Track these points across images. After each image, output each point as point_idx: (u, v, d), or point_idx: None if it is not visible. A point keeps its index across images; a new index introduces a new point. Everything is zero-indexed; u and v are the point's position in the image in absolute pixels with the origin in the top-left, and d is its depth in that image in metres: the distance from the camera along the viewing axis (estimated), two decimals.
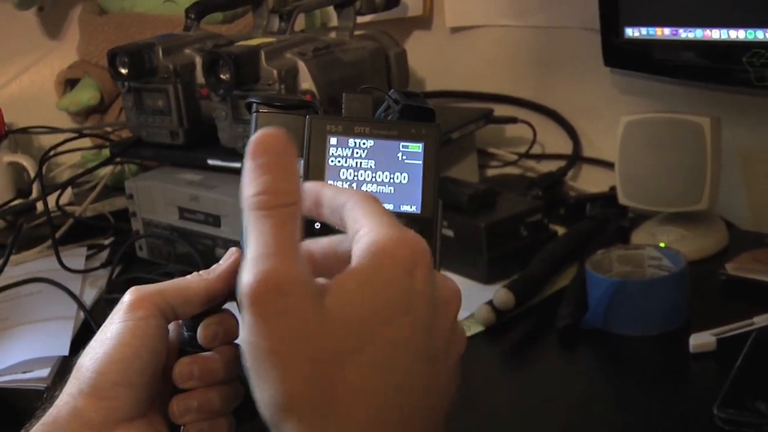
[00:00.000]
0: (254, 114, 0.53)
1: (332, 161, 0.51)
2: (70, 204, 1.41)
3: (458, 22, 1.44)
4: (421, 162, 0.51)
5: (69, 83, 1.59)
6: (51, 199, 1.35)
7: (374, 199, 0.45)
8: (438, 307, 0.44)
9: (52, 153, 1.44)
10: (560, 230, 1.13)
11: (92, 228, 1.34)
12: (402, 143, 0.51)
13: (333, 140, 0.51)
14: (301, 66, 1.12)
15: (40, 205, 1.35)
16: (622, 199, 1.11)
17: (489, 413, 0.83)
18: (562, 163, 1.35)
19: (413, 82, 1.42)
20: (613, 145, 1.11)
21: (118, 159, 1.36)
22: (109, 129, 1.54)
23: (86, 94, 1.54)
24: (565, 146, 1.36)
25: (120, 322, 0.49)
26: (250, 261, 0.40)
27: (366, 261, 0.42)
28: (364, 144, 0.51)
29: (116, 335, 0.49)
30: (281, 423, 0.41)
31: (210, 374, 0.50)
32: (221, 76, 1.08)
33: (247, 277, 0.40)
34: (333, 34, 1.32)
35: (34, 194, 1.41)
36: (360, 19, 1.32)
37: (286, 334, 0.39)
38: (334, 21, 1.36)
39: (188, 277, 0.52)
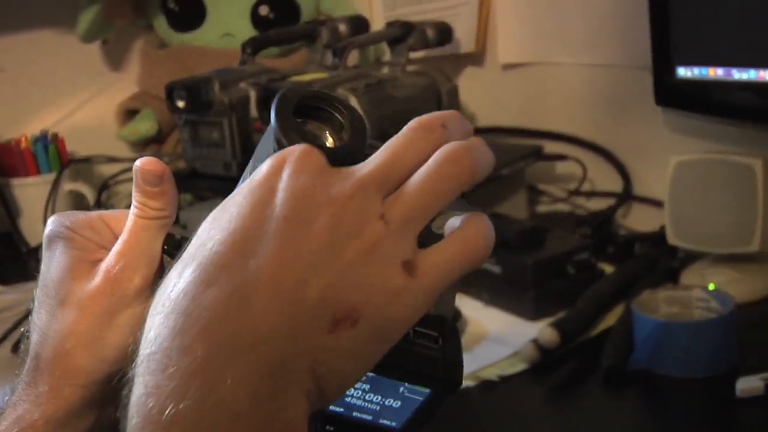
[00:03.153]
0: (268, 130, 0.45)
1: None
2: None
3: (510, 58, 1.45)
4: (422, 399, 0.41)
5: (129, 114, 1.63)
6: None
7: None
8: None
9: (111, 182, 1.48)
10: (608, 269, 1.13)
11: None
12: (407, 383, 0.41)
13: None
14: (353, 101, 1.14)
15: None
16: (672, 239, 1.11)
17: None
18: (612, 201, 1.34)
19: (464, 117, 1.43)
20: (663, 184, 1.11)
21: None
22: (165, 159, 1.57)
23: (145, 125, 1.58)
24: (616, 184, 1.36)
25: (130, 309, 0.47)
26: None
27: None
28: None
29: (128, 327, 0.47)
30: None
31: None
32: None
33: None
34: (386, 70, 1.35)
35: None
36: (413, 55, 1.34)
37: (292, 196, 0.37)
38: (387, 56, 1.38)
39: (154, 225, 0.49)
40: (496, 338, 1.02)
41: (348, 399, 0.43)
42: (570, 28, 1.36)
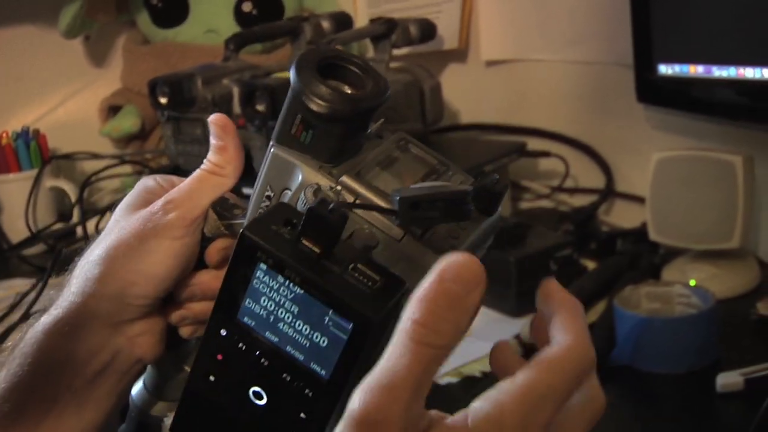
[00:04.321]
0: (290, 92, 0.47)
1: (256, 284, 0.43)
2: None
3: (493, 55, 1.46)
4: (346, 338, 0.41)
5: (112, 110, 1.63)
6: (91, 224, 1.38)
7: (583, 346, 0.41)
8: None
9: (93, 179, 1.47)
10: (591, 265, 1.14)
11: None
12: (332, 311, 0.41)
13: (263, 266, 0.43)
14: None
15: (80, 230, 1.38)
16: (653, 236, 1.11)
17: None
18: (594, 198, 1.35)
19: (447, 114, 1.43)
20: (645, 181, 1.12)
21: None
22: (148, 156, 1.57)
23: (128, 122, 1.58)
24: (598, 181, 1.37)
25: (160, 238, 0.52)
26: (370, 381, 0.37)
27: (480, 421, 0.38)
28: (293, 288, 0.42)
29: (156, 254, 0.52)
30: None
31: (210, 292, 0.54)
32: (257, 107, 1.10)
33: (356, 400, 0.37)
34: None
35: (75, 219, 1.44)
36: (396, 52, 1.34)
37: None
38: (371, 53, 1.38)
39: (208, 177, 0.54)
40: (479, 334, 1.02)
41: (280, 325, 0.43)
42: (552, 26, 1.37)
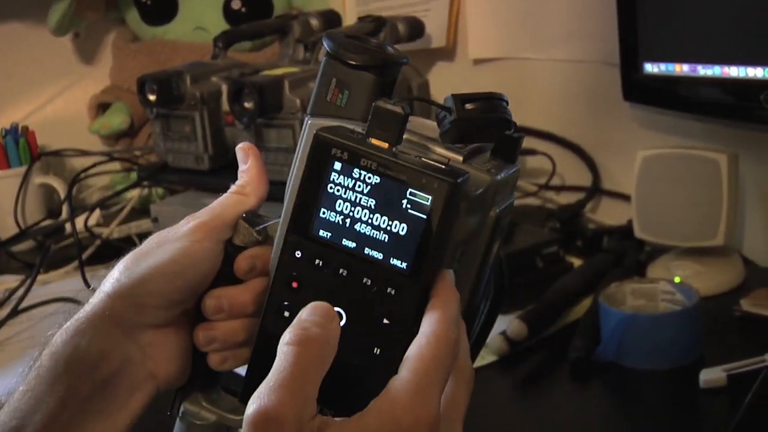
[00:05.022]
0: (324, 59, 0.51)
1: (331, 188, 0.46)
2: (98, 225, 1.44)
3: (481, 54, 1.46)
4: (425, 216, 0.45)
5: (101, 107, 1.63)
6: (80, 221, 1.39)
7: (447, 342, 0.45)
8: None
9: (82, 175, 1.47)
10: (577, 262, 1.14)
11: (119, 249, 1.36)
12: (411, 190, 0.45)
13: (337, 165, 0.46)
14: None
15: (69, 226, 1.38)
16: (639, 233, 1.12)
17: None
18: (581, 196, 1.36)
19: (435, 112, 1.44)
20: (631, 179, 1.12)
21: (145, 183, 1.39)
22: (137, 153, 1.57)
23: (117, 119, 1.58)
24: (585, 179, 1.38)
25: (176, 241, 0.53)
26: (262, 387, 0.42)
27: (371, 416, 0.43)
28: (369, 179, 0.45)
29: (169, 252, 0.52)
30: None
31: (239, 307, 0.53)
32: (245, 104, 1.11)
33: (251, 406, 0.42)
34: None
35: (64, 215, 1.44)
36: None
37: None
38: None
39: (231, 195, 0.55)
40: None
41: (357, 226, 0.46)
42: (540, 25, 1.38)
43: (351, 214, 0.46)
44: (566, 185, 1.41)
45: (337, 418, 0.43)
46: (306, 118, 0.51)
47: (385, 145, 0.45)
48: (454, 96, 0.48)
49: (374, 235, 0.46)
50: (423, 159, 0.45)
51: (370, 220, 0.46)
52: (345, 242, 0.46)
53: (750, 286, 1.07)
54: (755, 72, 1.02)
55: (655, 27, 1.12)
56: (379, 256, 0.45)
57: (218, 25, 1.55)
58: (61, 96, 1.71)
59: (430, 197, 0.44)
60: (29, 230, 1.44)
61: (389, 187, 0.45)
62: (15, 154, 1.49)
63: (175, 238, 0.53)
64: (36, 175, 1.49)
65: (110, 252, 1.41)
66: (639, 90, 1.17)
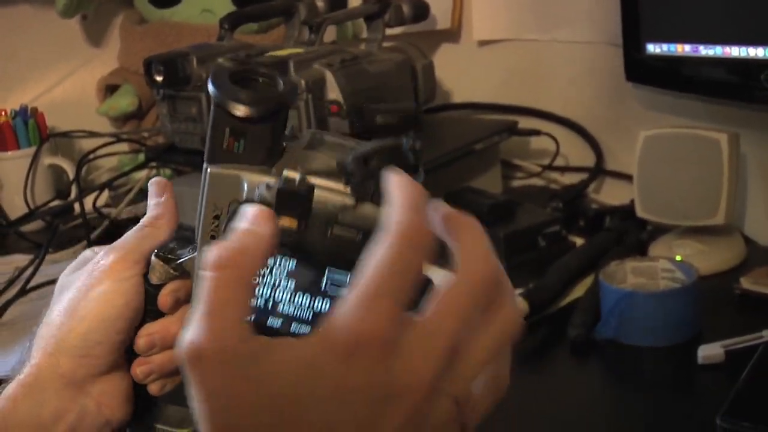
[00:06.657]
0: (213, 108, 0.49)
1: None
2: (106, 206, 1.46)
3: (486, 35, 1.47)
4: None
5: (109, 89, 1.64)
6: (88, 201, 1.40)
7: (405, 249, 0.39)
8: (386, 402, 0.38)
9: (90, 156, 1.49)
10: (579, 242, 1.15)
11: (127, 229, 1.38)
12: (328, 268, 0.46)
13: None
14: (329, 76, 1.15)
15: (77, 206, 1.40)
16: (640, 212, 1.13)
17: (499, 419, 0.85)
18: (584, 176, 1.36)
19: (440, 93, 1.45)
20: (634, 159, 1.13)
21: (152, 164, 1.41)
22: (145, 134, 1.59)
23: (125, 101, 1.59)
24: (588, 159, 1.38)
25: (101, 283, 0.53)
26: (192, 320, 0.39)
27: (311, 337, 0.39)
28: (285, 263, 0.46)
29: (102, 295, 0.53)
30: None
31: (170, 339, 0.54)
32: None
33: (184, 338, 0.39)
34: (362, 46, 1.36)
35: (72, 196, 1.46)
36: (389, 32, 1.35)
37: (208, 397, 0.39)
38: (364, 33, 1.39)
39: (143, 228, 0.56)
40: None
41: (280, 306, 0.46)
42: (544, 6, 1.38)
43: (272, 297, 0.47)
44: (570, 166, 1.42)
45: (279, 339, 0.40)
46: (204, 165, 0.50)
47: (294, 227, 0.45)
48: (354, 158, 0.46)
49: (298, 313, 0.46)
50: (334, 237, 0.45)
51: (292, 300, 0.46)
52: (270, 321, 0.47)
53: (751, 264, 1.08)
54: (756, 52, 1.03)
55: (657, 7, 1.12)
56: (306, 330, 0.46)
57: (225, 7, 1.55)
58: (70, 78, 1.72)
59: (348, 274, 0.45)
60: (38, 210, 1.46)
61: (307, 269, 0.46)
62: (24, 136, 1.50)
63: (98, 281, 0.54)
64: (45, 156, 1.51)
65: (119, 232, 1.43)
66: (641, 70, 1.18)
